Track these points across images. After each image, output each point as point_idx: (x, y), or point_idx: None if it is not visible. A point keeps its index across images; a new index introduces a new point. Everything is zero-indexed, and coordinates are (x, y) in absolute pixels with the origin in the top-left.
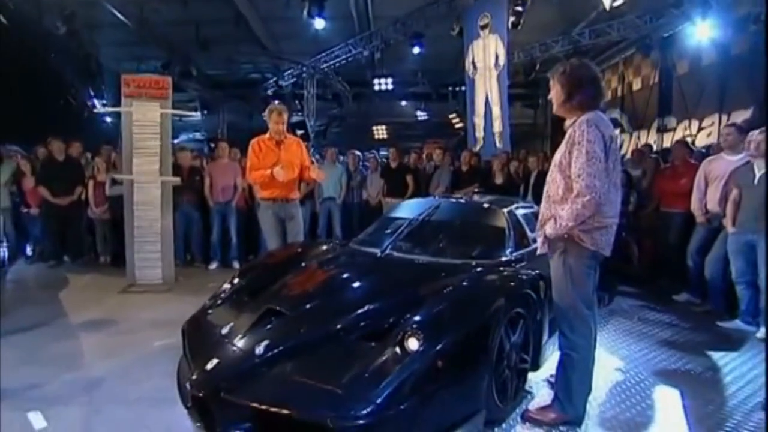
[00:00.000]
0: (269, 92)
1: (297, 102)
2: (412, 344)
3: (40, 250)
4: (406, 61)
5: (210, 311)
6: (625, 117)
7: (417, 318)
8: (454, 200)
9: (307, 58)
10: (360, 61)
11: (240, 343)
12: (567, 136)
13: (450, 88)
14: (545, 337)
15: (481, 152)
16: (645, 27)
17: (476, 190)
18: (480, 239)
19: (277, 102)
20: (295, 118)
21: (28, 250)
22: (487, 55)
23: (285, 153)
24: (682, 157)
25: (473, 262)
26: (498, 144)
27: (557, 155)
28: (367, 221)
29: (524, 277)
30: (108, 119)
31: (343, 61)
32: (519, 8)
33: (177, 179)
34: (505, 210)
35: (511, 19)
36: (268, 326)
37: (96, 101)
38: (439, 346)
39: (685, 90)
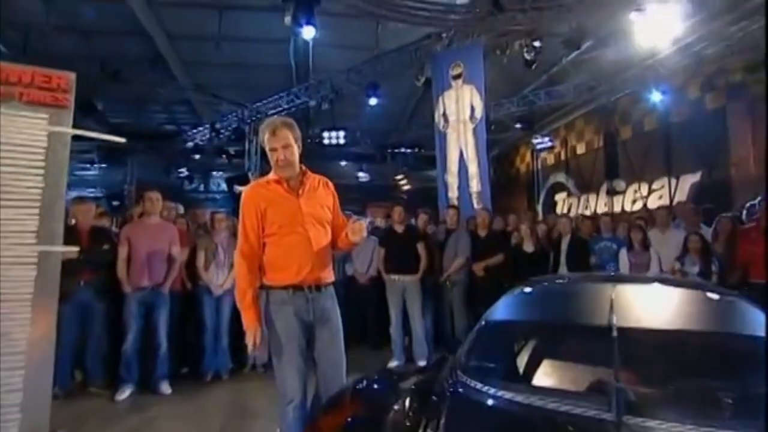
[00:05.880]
0: (198, 141)
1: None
2: None
3: None
4: (350, 118)
5: None
6: (571, 180)
7: None
8: (647, 284)
9: (243, 108)
10: (305, 112)
11: None
12: None
13: (389, 150)
14: None
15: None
16: (595, 91)
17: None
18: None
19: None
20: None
21: None
22: (460, 107)
23: (307, 201)
24: None
25: None
26: (476, 205)
27: None
28: (355, 309)
29: None
30: None
31: (284, 112)
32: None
33: (72, 249)
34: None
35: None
36: None
37: None
38: None
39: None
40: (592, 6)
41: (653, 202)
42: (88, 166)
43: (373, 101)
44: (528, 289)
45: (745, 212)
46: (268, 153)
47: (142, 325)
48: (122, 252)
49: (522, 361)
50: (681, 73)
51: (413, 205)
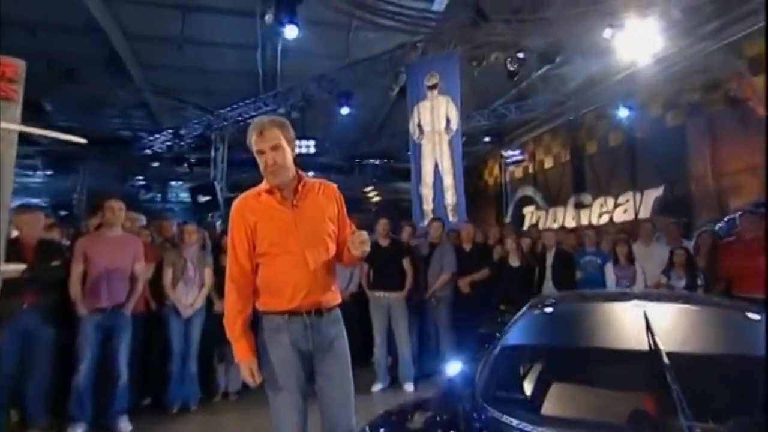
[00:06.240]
0: (156, 148)
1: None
2: None
3: None
4: (320, 127)
5: None
6: (539, 194)
7: None
8: (668, 301)
9: (208, 113)
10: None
11: None
12: None
13: (358, 161)
14: None
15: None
16: (564, 106)
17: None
18: None
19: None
20: (199, 181)
21: None
22: (436, 118)
23: (303, 214)
24: (755, 230)
25: None
26: (451, 218)
27: None
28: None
29: None
30: None
31: (249, 120)
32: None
33: (16, 267)
34: None
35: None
36: None
37: None
38: None
39: (597, 168)
40: (573, 20)
41: (619, 216)
42: (30, 172)
43: (345, 110)
44: (549, 310)
45: (723, 225)
46: (257, 157)
47: (98, 353)
48: (76, 268)
49: (557, 391)
50: (644, 90)
51: (383, 217)
